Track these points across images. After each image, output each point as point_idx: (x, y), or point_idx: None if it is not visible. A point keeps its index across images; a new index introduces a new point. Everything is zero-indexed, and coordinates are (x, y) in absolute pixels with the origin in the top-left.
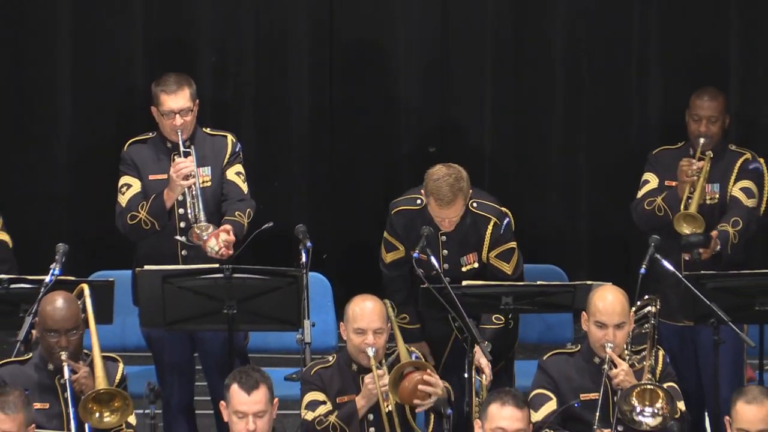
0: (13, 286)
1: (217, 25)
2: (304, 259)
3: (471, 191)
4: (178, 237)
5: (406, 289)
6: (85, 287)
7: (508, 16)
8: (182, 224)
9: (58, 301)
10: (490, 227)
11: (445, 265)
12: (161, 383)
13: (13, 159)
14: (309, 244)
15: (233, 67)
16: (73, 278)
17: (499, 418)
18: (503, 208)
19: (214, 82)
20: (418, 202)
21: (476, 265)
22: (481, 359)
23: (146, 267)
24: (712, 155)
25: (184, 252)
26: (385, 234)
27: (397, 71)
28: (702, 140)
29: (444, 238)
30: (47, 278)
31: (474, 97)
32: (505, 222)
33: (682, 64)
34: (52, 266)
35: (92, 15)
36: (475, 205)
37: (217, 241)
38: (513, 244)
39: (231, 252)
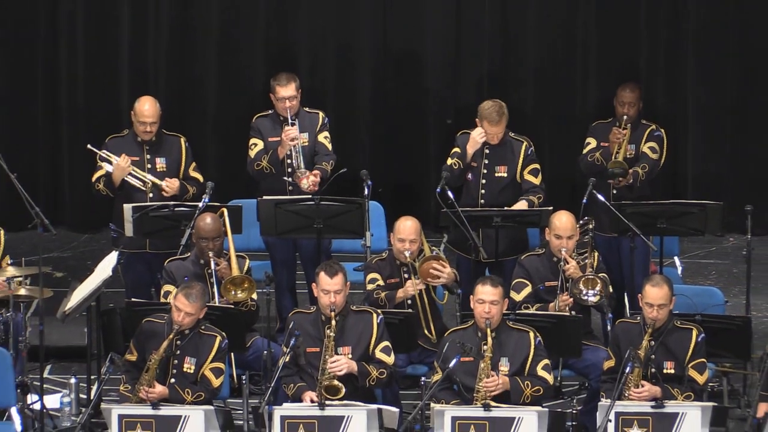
0: (176, 209)
1: (311, 40)
2: (366, 192)
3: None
4: (285, 178)
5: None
6: (225, 210)
7: (498, 33)
8: (289, 170)
9: (208, 219)
10: (523, 148)
11: (485, 170)
12: (274, 272)
13: (180, 130)
14: (369, 182)
15: (320, 66)
16: (217, 204)
17: (480, 293)
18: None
19: (309, 77)
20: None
21: (505, 174)
22: None
23: (264, 197)
24: (630, 126)
25: (290, 188)
26: (454, 148)
27: (425, 69)
28: (625, 117)
29: (488, 151)
30: (200, 204)
31: (475, 86)
32: (531, 148)
33: (610, 67)
34: (204, 196)
35: (232, 30)
36: (512, 134)
37: (308, 182)
38: (538, 165)
39: (316, 188)
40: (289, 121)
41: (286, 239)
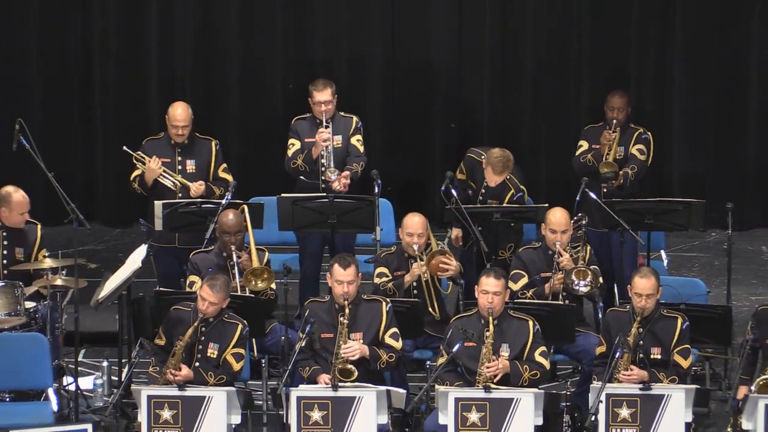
0: (203, 205)
1: (325, 50)
2: (376, 190)
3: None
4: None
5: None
6: (245, 207)
7: (498, 43)
8: (322, 168)
9: (230, 215)
10: (509, 194)
11: (480, 197)
12: (302, 262)
13: (205, 133)
14: (379, 182)
15: (334, 74)
16: (239, 201)
17: (484, 284)
18: (522, 186)
19: None
20: (482, 156)
21: (496, 205)
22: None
23: (283, 195)
24: (619, 130)
25: (323, 186)
26: (461, 165)
27: (431, 77)
28: (614, 121)
29: (485, 185)
30: (223, 201)
31: (477, 94)
32: (519, 194)
33: (601, 74)
34: (227, 194)
35: (252, 41)
36: (508, 178)
37: (339, 184)
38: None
39: (347, 189)
40: (324, 123)
41: (318, 234)
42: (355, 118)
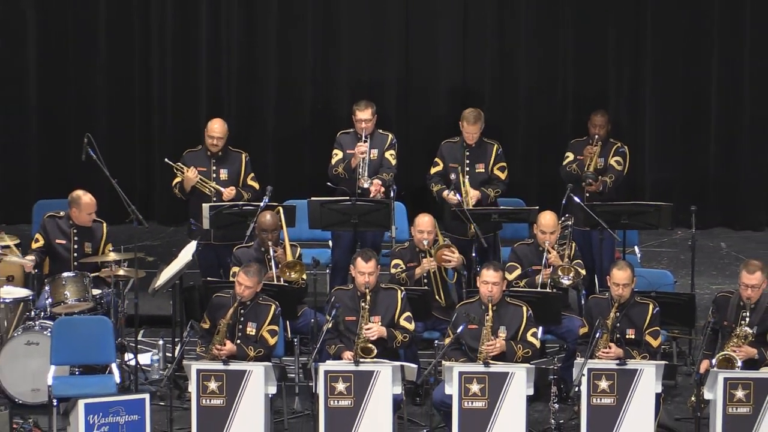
0: (244, 207)
1: (348, 75)
2: (392, 194)
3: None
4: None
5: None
6: (281, 208)
7: (497, 69)
8: (358, 176)
9: (267, 216)
10: (494, 149)
11: (467, 168)
12: (333, 253)
13: (245, 145)
14: (395, 187)
15: (356, 95)
16: (275, 203)
17: (485, 275)
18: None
19: (348, 104)
20: (456, 139)
21: (483, 170)
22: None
23: (312, 198)
24: (600, 144)
25: (359, 191)
26: (435, 158)
27: (438, 98)
28: (596, 136)
29: (468, 153)
30: (262, 204)
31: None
32: (501, 150)
33: (584, 95)
34: (264, 197)
35: (287, 67)
36: (485, 138)
37: (374, 191)
38: (505, 164)
39: (380, 193)
40: (362, 138)
41: (350, 232)
42: (390, 135)
